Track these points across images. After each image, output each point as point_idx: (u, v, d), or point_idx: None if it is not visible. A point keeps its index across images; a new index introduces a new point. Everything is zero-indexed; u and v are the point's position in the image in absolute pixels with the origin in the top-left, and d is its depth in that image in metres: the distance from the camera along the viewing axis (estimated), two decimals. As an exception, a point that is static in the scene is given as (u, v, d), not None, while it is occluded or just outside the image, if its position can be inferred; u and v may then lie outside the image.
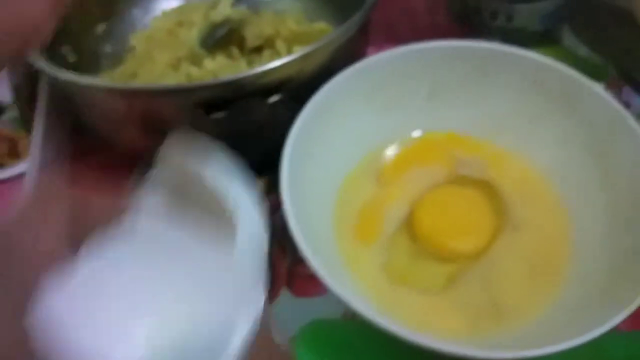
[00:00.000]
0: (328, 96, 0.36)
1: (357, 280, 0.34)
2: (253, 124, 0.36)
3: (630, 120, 0.34)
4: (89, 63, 0.46)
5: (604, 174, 0.35)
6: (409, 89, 0.39)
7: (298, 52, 0.34)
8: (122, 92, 0.35)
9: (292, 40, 0.45)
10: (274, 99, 0.35)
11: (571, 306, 0.32)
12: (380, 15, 0.43)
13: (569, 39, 0.50)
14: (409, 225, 0.36)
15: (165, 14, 0.50)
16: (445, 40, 0.38)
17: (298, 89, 0.35)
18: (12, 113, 0.42)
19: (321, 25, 0.46)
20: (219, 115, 0.34)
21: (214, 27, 0.43)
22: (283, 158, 0.33)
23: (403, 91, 0.39)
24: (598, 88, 0.35)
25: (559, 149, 0.37)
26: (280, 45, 0.44)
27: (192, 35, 0.45)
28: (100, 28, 0.48)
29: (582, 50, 0.50)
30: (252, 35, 0.44)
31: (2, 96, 0.41)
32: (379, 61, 0.37)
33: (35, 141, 0.40)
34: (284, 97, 0.35)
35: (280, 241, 0.39)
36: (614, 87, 0.47)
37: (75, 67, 0.44)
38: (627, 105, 0.45)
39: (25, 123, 0.42)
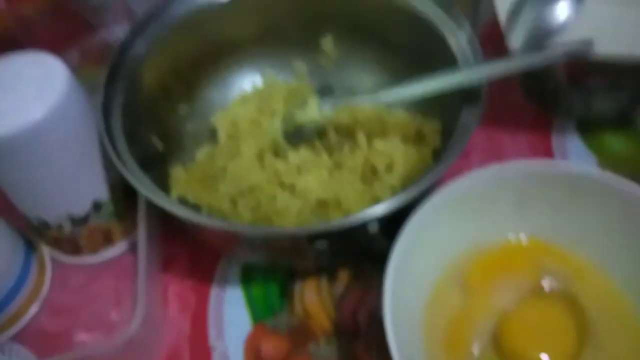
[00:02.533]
0: (421, 220, 0.37)
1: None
2: (351, 249, 0.38)
3: None
4: (174, 145, 0.49)
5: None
6: (496, 200, 0.40)
7: (400, 196, 0.35)
8: (223, 233, 0.38)
9: (370, 129, 0.46)
10: (373, 228, 0.37)
11: None
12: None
13: (644, 121, 0.51)
14: (497, 341, 0.38)
15: (245, 99, 0.51)
16: (534, 161, 0.39)
17: (395, 216, 0.37)
18: (107, 208, 0.44)
19: (399, 115, 0.47)
20: (321, 244, 0.36)
21: (300, 126, 0.45)
22: (385, 281, 0.35)
23: (490, 202, 0.40)
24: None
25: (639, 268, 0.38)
26: (360, 138, 0.45)
27: (274, 126, 0.47)
28: (183, 109, 0.50)
29: (658, 135, 0.50)
30: (333, 132, 0.46)
31: (101, 195, 0.44)
32: (468, 183, 0.39)
33: (140, 230, 0.43)
34: (383, 226, 0.37)
35: (366, 339, 0.41)
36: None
37: (164, 155, 0.47)
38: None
39: (119, 215, 0.45)
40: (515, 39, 0.39)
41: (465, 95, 0.40)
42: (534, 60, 0.38)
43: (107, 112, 0.41)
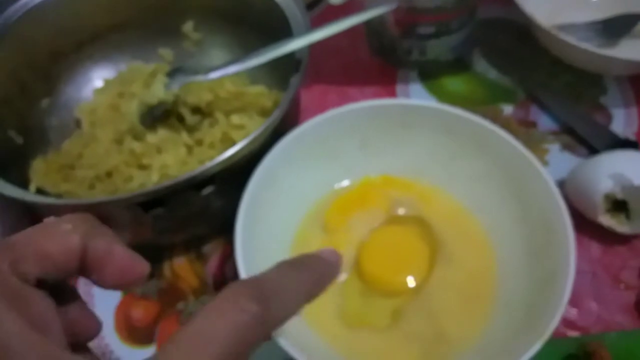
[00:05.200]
0: (269, 166, 0.39)
1: (316, 330, 0.38)
2: (190, 213, 0.40)
3: (533, 158, 0.39)
4: (36, 140, 0.48)
5: (520, 207, 0.40)
6: (342, 143, 0.43)
7: (229, 150, 0.36)
8: (59, 207, 0.38)
9: (230, 106, 0.47)
10: (207, 190, 0.38)
11: (501, 330, 0.37)
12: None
13: (479, 63, 0.56)
14: (357, 268, 0.41)
15: (108, 82, 0.51)
16: (368, 101, 0.42)
17: (231, 177, 0.38)
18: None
19: (258, 88, 0.49)
20: (157, 211, 0.38)
21: (151, 107, 0.45)
22: (236, 227, 0.37)
23: (337, 146, 0.43)
24: (502, 132, 0.40)
25: (478, 185, 0.42)
26: (219, 115, 0.47)
27: (132, 108, 0.46)
28: (45, 103, 0.50)
29: (492, 74, 0.55)
30: (188, 111, 0.47)
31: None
32: (313, 126, 0.41)
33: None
34: (218, 187, 0.38)
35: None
36: (523, 107, 0.52)
37: (24, 148, 0.47)
38: (534, 124, 0.51)
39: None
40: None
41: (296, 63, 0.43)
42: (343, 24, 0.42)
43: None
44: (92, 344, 0.40)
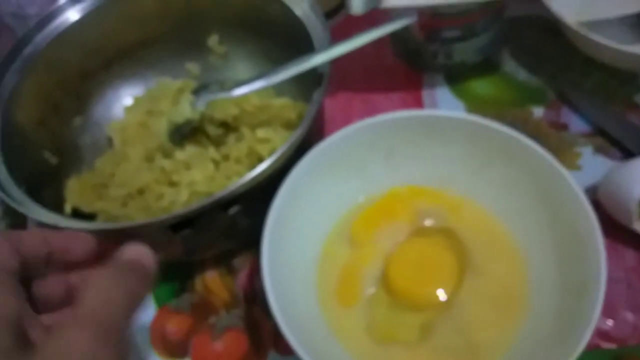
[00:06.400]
0: (294, 182, 0.40)
1: (344, 346, 0.38)
2: (217, 233, 0.41)
3: (560, 166, 0.38)
4: (70, 158, 0.50)
5: (549, 215, 0.39)
6: (368, 155, 0.43)
7: (254, 170, 0.37)
8: (91, 232, 0.38)
9: (256, 119, 0.48)
10: (233, 210, 0.39)
11: (533, 342, 0.36)
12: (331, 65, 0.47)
13: (508, 64, 0.54)
14: (385, 282, 0.41)
15: (137, 100, 0.53)
16: (393, 112, 0.42)
17: (256, 195, 0.38)
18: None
19: (283, 100, 0.49)
20: (185, 232, 0.39)
21: (178, 126, 0.46)
22: (262, 244, 0.37)
23: (362, 158, 0.43)
24: (528, 140, 0.39)
25: (506, 194, 0.41)
26: (244, 130, 0.47)
27: (161, 126, 0.48)
28: (77, 121, 0.51)
29: (522, 74, 0.54)
30: (213, 128, 0.47)
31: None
32: (338, 139, 0.41)
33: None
34: (243, 205, 0.39)
35: (263, 303, 0.43)
36: (554, 108, 0.51)
37: (59, 168, 0.48)
38: (565, 126, 0.50)
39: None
40: (355, 4, 0.42)
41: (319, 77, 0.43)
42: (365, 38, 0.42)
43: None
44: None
